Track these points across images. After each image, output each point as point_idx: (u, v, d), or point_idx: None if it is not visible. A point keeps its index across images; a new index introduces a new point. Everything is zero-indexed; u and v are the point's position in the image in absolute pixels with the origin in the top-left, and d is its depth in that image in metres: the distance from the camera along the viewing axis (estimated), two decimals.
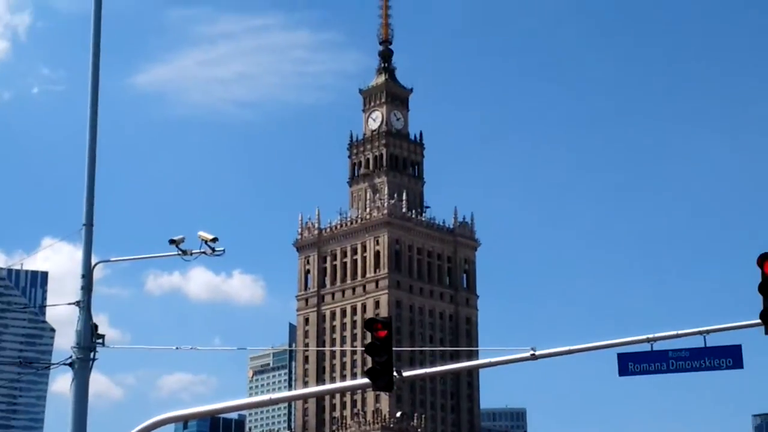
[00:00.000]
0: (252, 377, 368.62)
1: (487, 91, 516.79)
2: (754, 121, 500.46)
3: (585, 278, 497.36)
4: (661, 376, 30.49)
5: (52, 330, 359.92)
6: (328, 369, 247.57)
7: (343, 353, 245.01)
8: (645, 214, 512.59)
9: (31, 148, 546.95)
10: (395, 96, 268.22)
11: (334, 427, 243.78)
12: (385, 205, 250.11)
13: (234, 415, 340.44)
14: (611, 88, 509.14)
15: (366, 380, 30.13)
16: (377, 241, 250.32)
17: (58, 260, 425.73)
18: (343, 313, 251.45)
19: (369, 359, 29.39)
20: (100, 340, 29.53)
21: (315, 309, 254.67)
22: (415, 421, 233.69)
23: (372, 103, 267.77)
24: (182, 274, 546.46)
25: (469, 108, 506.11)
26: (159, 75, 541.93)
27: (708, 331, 29.55)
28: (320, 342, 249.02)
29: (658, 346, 29.94)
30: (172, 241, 30.48)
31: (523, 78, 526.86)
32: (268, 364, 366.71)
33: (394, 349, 29.83)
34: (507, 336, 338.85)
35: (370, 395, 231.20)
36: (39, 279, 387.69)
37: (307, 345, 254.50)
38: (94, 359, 29.27)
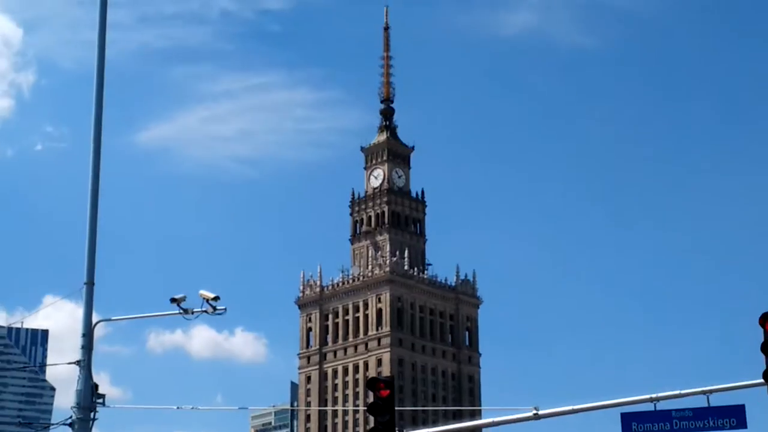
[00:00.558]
0: None
1: (489, 149, 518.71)
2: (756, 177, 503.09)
3: (588, 335, 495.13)
4: None
5: (52, 389, 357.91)
6: (330, 428, 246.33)
7: (345, 412, 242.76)
8: (648, 270, 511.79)
9: (33, 205, 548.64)
10: (397, 154, 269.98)
11: None
12: (387, 262, 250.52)
13: None
14: (614, 143, 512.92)
15: None
16: (379, 299, 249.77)
17: (59, 318, 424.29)
18: (345, 371, 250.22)
19: (371, 418, 29.08)
20: (101, 400, 29.45)
21: (317, 367, 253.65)
22: None
23: (373, 161, 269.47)
24: (184, 332, 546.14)
25: (471, 165, 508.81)
26: (161, 132, 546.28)
27: (711, 391, 29.57)
28: (322, 401, 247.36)
29: (661, 406, 29.95)
30: (173, 300, 30.47)
31: (526, 135, 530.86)
32: (270, 423, 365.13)
33: (396, 408, 29.56)
34: (510, 394, 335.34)
35: None
36: (39, 337, 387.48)
37: (309, 404, 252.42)
38: (94, 419, 29.08)
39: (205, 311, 30.37)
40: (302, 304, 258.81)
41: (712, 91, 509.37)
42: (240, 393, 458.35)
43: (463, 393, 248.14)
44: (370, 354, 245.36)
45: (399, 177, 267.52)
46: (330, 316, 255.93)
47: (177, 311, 30.60)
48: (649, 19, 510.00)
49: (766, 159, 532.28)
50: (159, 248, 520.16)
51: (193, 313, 30.61)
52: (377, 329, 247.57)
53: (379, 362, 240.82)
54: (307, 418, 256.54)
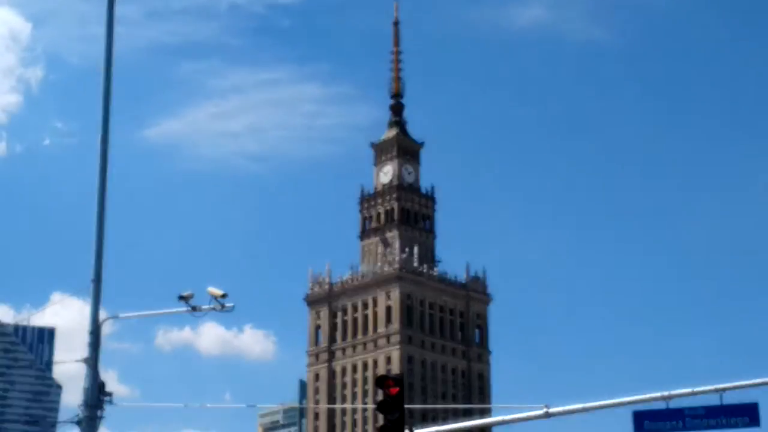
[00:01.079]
0: None
1: (500, 144, 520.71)
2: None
3: (600, 332, 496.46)
4: None
5: (59, 387, 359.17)
6: (339, 426, 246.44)
7: (354, 410, 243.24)
8: (661, 268, 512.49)
9: (41, 201, 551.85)
10: (406, 150, 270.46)
11: None
12: (397, 259, 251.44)
13: None
14: (626, 138, 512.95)
15: None
16: (389, 296, 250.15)
17: (66, 315, 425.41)
18: (354, 369, 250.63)
19: (381, 416, 28.98)
20: (108, 398, 29.75)
21: (326, 365, 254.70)
22: None
23: (383, 157, 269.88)
24: (193, 330, 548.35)
25: (482, 161, 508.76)
26: (170, 128, 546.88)
27: (724, 389, 29.83)
28: (331, 399, 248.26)
29: (673, 404, 30.32)
30: (181, 297, 30.89)
31: (537, 131, 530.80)
32: (278, 421, 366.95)
33: (405, 406, 29.87)
34: (520, 392, 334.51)
35: None
36: (46, 335, 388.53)
37: (317, 402, 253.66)
38: (101, 417, 29.46)
39: (213, 308, 30.73)
40: (311, 302, 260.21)
41: (727, 85, 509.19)
42: (248, 391, 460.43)
43: (473, 391, 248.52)
44: (379, 351, 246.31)
45: (409, 173, 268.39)
46: (339, 314, 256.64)
47: (185, 309, 31.05)
48: (662, 12, 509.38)
49: None
50: (167, 245, 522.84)
51: (201, 310, 31.04)
52: (386, 327, 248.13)
53: (389, 360, 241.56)
54: (316, 416, 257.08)
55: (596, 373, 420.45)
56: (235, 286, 34.57)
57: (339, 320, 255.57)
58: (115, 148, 31.60)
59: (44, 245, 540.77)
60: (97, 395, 29.41)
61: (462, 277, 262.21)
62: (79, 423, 29.44)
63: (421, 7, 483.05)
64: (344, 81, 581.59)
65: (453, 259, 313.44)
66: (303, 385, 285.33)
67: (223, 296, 30.58)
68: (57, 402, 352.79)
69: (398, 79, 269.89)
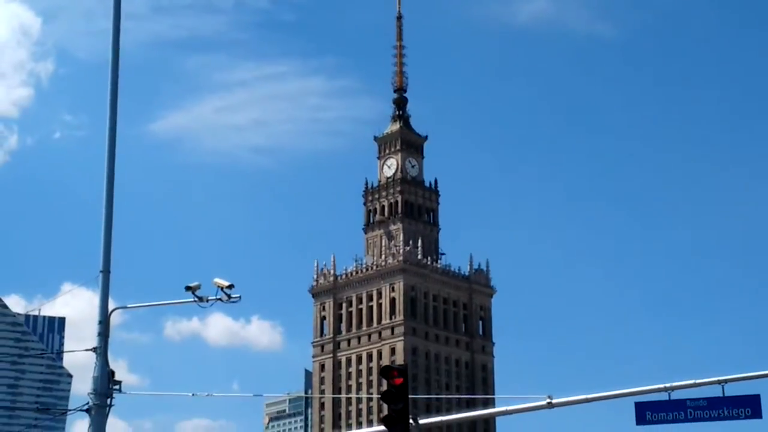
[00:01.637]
0: (268, 423, 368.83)
1: (503, 138, 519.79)
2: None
3: (603, 324, 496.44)
4: (678, 425, 30.06)
5: (69, 376, 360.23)
6: (344, 416, 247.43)
7: (359, 400, 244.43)
8: (663, 260, 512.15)
9: (51, 193, 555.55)
10: (410, 143, 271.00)
11: None
12: (401, 251, 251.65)
13: None
14: (629, 132, 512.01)
15: (382, 428, 29.56)
16: (393, 288, 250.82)
17: (76, 306, 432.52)
18: (359, 359, 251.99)
19: (385, 406, 28.91)
20: (117, 387, 29.52)
21: (331, 355, 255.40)
22: None
23: (387, 151, 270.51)
24: (201, 320, 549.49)
25: (485, 155, 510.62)
26: (176, 122, 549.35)
27: (726, 381, 29.53)
28: (336, 389, 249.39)
29: (675, 395, 29.97)
30: (188, 288, 30.55)
31: (539, 124, 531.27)
32: (284, 411, 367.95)
33: (410, 396, 29.59)
34: (523, 383, 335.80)
35: None
36: (57, 325, 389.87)
37: (322, 391, 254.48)
38: (110, 405, 29.20)
39: (220, 299, 30.48)
40: (316, 293, 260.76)
41: (731, 79, 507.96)
42: (255, 380, 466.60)
43: (476, 382, 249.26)
44: (383, 343, 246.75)
45: (412, 166, 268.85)
46: (344, 305, 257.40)
47: (192, 299, 30.74)
48: (666, 5, 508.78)
49: None
50: (175, 236, 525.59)
51: (208, 301, 30.64)
52: (391, 318, 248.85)
53: (393, 351, 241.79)
54: (321, 405, 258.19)
55: (599, 364, 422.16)
56: (241, 278, 34.56)
57: (344, 311, 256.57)
58: (122, 141, 31.90)
59: (55, 237, 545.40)
60: (106, 384, 29.16)
61: (465, 269, 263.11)
62: (89, 411, 29.13)
63: (424, 2, 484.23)
64: (348, 75, 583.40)
65: (456, 251, 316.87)
66: (308, 375, 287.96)
67: (230, 287, 30.29)
68: (67, 390, 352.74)
69: (401, 74, 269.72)
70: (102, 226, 29.78)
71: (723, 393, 29.32)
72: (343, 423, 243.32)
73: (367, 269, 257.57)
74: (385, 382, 29.49)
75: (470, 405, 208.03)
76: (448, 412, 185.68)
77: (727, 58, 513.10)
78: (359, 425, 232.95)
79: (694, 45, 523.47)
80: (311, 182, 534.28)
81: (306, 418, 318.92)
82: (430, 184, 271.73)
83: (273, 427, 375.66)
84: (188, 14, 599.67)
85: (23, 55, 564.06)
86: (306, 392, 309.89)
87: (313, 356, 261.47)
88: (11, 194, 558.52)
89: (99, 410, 28.73)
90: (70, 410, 34.29)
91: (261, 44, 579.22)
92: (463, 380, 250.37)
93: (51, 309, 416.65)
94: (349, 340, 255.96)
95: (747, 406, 29.14)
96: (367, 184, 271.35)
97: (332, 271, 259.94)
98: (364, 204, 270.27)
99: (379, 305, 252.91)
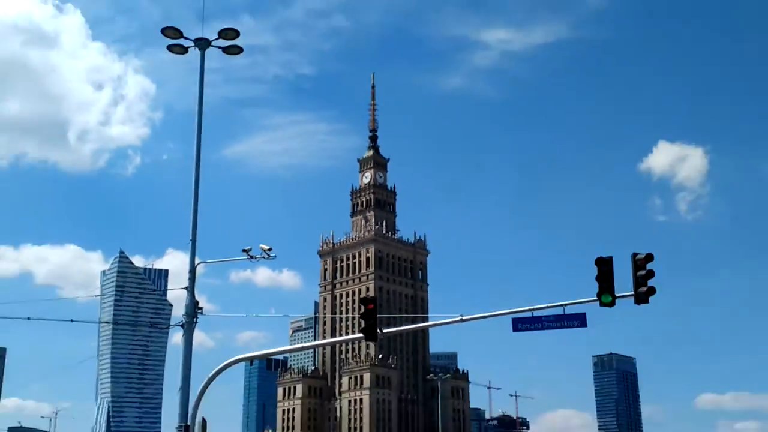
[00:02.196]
0: (292, 333, 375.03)
1: (438, 157, 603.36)
2: None
3: (498, 270, 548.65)
4: (537, 332, 30.62)
5: (171, 305, 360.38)
6: (338, 329, 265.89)
7: (347, 319, 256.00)
8: (544, 219, 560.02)
9: (160, 191, 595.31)
10: (378, 163, 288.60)
11: (341, 365, 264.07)
12: (372, 229, 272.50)
13: (281, 357, 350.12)
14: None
15: (361, 335, 30.79)
16: (368, 251, 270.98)
17: (175, 262, 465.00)
18: (347, 294, 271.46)
19: (362, 322, 30.24)
20: (200, 311, 30.77)
21: (330, 292, 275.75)
22: (390, 360, 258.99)
23: (365, 167, 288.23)
24: (252, 271, 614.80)
25: (428, 169, 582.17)
26: (238, 149, 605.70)
27: (565, 305, 29.86)
28: (333, 312, 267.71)
29: (536, 314, 30.49)
30: (244, 250, 31.99)
31: (473, 146, 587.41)
32: (302, 326, 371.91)
33: (378, 316, 30.70)
34: (446, 308, 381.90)
35: (363, 344, 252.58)
36: (163, 274, 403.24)
37: (325, 314, 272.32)
38: (195, 322, 30.35)
39: (264, 257, 31.58)
40: (321, 254, 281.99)
41: None
42: (285, 307, 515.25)
43: (417, 308, 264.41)
44: (362, 284, 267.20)
45: (380, 177, 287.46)
46: (338, 261, 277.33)
47: (246, 257, 32.00)
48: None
49: None
50: (236, 217, 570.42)
51: (256, 258, 31.79)
52: (366, 269, 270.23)
53: (368, 289, 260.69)
54: (324, 322, 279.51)
55: (495, 295, 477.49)
56: (277, 244, 35.84)
57: (338, 265, 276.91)
58: (205, 161, 31.14)
59: (162, 218, 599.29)
60: (193, 309, 30.23)
61: (411, 239, 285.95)
62: (182, 326, 30.39)
63: (388, 77, 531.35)
64: (341, 121, 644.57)
65: (407, 228, 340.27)
66: (316, 305, 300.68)
67: (269, 250, 31.43)
68: (169, 314, 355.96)
69: (374, 119, 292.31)
70: (191, 211, 30.17)
71: (564, 312, 29.96)
72: (337, 333, 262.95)
73: (352, 240, 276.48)
74: (362, 308, 30.23)
75: (415, 321, 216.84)
76: (399, 326, 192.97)
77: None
78: (347, 333, 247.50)
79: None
80: (319, 187, 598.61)
81: (315, 331, 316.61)
82: (391, 188, 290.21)
83: (295, 336, 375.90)
84: (245, 83, 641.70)
85: (144, 107, 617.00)
86: (315, 314, 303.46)
87: (320, 293, 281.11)
88: (135, 192, 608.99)
89: (188, 326, 30.00)
90: (171, 325, 35.30)
91: (289, 102, 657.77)
92: (410, 307, 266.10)
93: (159, 264, 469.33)
94: (341, 283, 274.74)
95: (578, 319, 29.98)
96: (352, 188, 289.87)
97: (331, 241, 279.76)
98: (351, 200, 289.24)
99: (359, 262, 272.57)
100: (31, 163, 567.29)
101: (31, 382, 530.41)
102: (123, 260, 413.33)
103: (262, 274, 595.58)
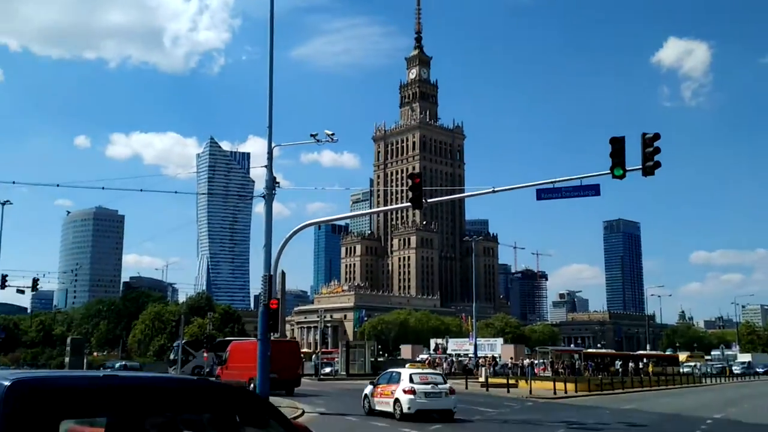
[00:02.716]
0: (351, 205, 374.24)
1: (478, 53, 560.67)
2: None
3: (524, 150, 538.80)
4: (558, 200, 29.16)
5: (253, 181, 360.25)
6: (389, 201, 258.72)
7: (397, 192, 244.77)
8: (570, 108, 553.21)
9: (242, 88, 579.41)
10: (423, 60, 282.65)
11: (392, 230, 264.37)
12: (418, 118, 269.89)
13: (343, 223, 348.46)
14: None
15: (409, 204, 28.94)
16: (414, 136, 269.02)
17: (255, 146, 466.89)
18: (397, 172, 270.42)
19: (411, 194, 28.69)
20: (277, 184, 29.59)
21: (383, 171, 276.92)
22: (432, 225, 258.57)
23: (411, 64, 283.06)
24: (318, 153, 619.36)
25: (468, 61, 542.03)
26: (305, 51, 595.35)
27: (582, 177, 28.36)
28: (385, 186, 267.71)
29: (557, 185, 29.02)
30: (312, 135, 30.59)
31: (504, 41, 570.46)
32: (360, 198, 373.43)
33: (423, 188, 29.27)
34: (481, 183, 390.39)
35: (410, 213, 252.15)
36: (246, 156, 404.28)
37: (379, 188, 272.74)
38: (274, 194, 29.09)
39: (328, 140, 30.31)
40: (375, 139, 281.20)
41: None
42: (347, 182, 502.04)
43: (455, 183, 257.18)
44: (408, 164, 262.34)
45: (424, 73, 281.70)
46: (389, 145, 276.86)
47: (313, 140, 30.63)
48: None
49: None
50: (305, 109, 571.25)
51: (322, 141, 30.35)
52: (413, 151, 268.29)
53: (414, 168, 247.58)
54: (378, 195, 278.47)
55: (523, 169, 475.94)
56: (339, 130, 36.70)
57: (389, 148, 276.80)
58: (277, 61, 31.07)
59: (244, 109, 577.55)
60: (272, 183, 29.09)
61: (451, 125, 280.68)
62: (264, 197, 29.16)
63: None
64: (391, 23, 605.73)
65: (447, 116, 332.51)
66: (371, 181, 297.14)
67: (333, 135, 30.00)
68: (252, 189, 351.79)
69: (419, 22, 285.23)
70: (267, 102, 28.85)
71: (581, 183, 28.34)
72: (388, 204, 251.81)
73: (400, 127, 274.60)
74: (410, 182, 28.95)
75: (452, 194, 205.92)
76: (440, 197, 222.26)
77: None
78: (396, 203, 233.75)
79: None
80: (372, 82, 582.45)
81: (370, 202, 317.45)
82: (434, 82, 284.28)
83: (354, 206, 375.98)
84: None
85: (225, 16, 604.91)
86: (370, 189, 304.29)
87: (374, 171, 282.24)
88: (221, 88, 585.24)
89: (269, 197, 28.87)
90: (254, 196, 35.70)
91: (346, 8, 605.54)
92: (449, 183, 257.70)
93: (243, 148, 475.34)
94: (392, 162, 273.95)
95: (593, 189, 28.27)
96: (401, 82, 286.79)
97: (383, 128, 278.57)
98: (399, 93, 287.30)
99: (407, 145, 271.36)
100: (135, 65, 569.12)
101: (145, 242, 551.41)
102: (213, 145, 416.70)
103: (327, 156, 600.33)
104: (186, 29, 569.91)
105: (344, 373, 66.99)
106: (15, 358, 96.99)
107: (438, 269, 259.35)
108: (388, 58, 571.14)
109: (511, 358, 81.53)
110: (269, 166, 29.93)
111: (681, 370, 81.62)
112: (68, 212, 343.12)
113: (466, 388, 49.73)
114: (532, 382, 50.34)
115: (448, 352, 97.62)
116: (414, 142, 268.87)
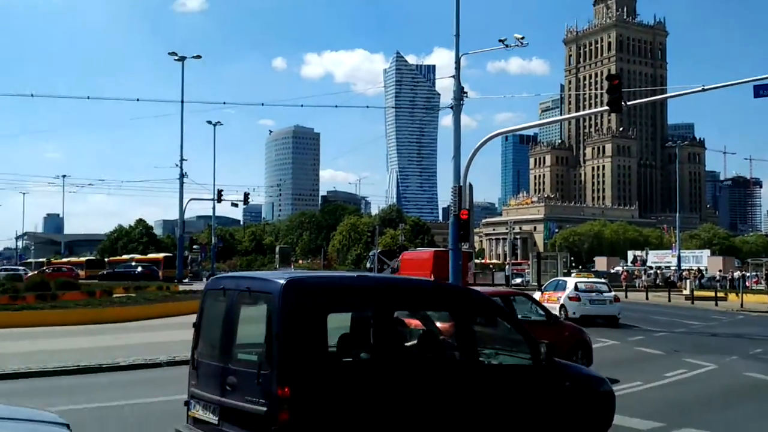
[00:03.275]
0: (540, 113, 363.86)
1: None
2: None
3: (733, 45, 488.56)
4: None
5: (438, 94, 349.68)
6: (581, 107, 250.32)
7: (590, 97, 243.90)
8: None
9: None
10: None
11: (584, 138, 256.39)
12: (614, 16, 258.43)
13: (531, 132, 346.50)
14: None
15: (606, 108, 27.23)
16: (609, 36, 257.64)
17: (441, 58, 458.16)
18: (590, 76, 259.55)
19: (608, 97, 26.93)
20: (465, 94, 29.46)
21: (575, 75, 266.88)
22: (630, 131, 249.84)
23: None
24: (505, 61, 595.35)
25: None
26: None
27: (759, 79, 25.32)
28: (578, 90, 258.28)
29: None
30: (500, 41, 29.98)
31: None
32: (549, 106, 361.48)
33: (622, 90, 27.32)
34: (685, 82, 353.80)
35: (605, 119, 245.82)
36: (432, 69, 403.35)
37: (570, 94, 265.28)
38: (462, 104, 29.09)
39: (517, 45, 29.85)
40: (567, 42, 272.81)
41: None
42: (535, 89, 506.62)
43: (656, 85, 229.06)
44: (604, 66, 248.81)
45: None
46: (582, 48, 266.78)
47: (502, 46, 30.01)
48: None
49: None
50: (492, 15, 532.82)
51: (510, 47, 29.91)
52: (608, 52, 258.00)
53: (609, 70, 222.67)
54: (569, 102, 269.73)
55: (729, 69, 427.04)
56: (528, 33, 35.51)
57: (582, 51, 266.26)
58: None
59: (428, 22, 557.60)
60: (460, 94, 28.96)
61: (651, 21, 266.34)
62: (452, 108, 29.28)
63: None
64: None
65: (647, 12, 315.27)
66: (562, 87, 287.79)
67: (522, 38, 29.64)
68: (438, 101, 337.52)
69: None
70: (453, 9, 28.86)
71: None
72: (581, 109, 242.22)
73: (594, 27, 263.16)
74: (607, 85, 27.59)
75: (653, 94, 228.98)
76: (640, 99, 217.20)
77: None
78: (590, 107, 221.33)
79: None
80: None
81: (560, 110, 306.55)
82: None
83: (543, 115, 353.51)
84: None
85: None
86: (560, 95, 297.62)
87: (565, 77, 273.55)
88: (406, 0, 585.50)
89: (456, 107, 28.95)
90: (441, 108, 40.51)
91: None
92: (649, 84, 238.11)
93: (428, 60, 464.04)
94: (584, 67, 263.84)
95: None
96: None
97: (575, 29, 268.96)
98: None
99: (601, 46, 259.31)
100: None
101: (339, 158, 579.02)
102: (399, 59, 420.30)
103: (514, 63, 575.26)
104: None
105: (535, 283, 66.94)
106: (232, 264, 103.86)
107: (636, 178, 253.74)
108: None
109: (720, 271, 76.40)
110: (457, 76, 29.80)
111: None
112: (270, 131, 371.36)
113: (669, 300, 48.43)
114: (744, 295, 47.07)
115: (648, 264, 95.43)
116: (610, 42, 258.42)
